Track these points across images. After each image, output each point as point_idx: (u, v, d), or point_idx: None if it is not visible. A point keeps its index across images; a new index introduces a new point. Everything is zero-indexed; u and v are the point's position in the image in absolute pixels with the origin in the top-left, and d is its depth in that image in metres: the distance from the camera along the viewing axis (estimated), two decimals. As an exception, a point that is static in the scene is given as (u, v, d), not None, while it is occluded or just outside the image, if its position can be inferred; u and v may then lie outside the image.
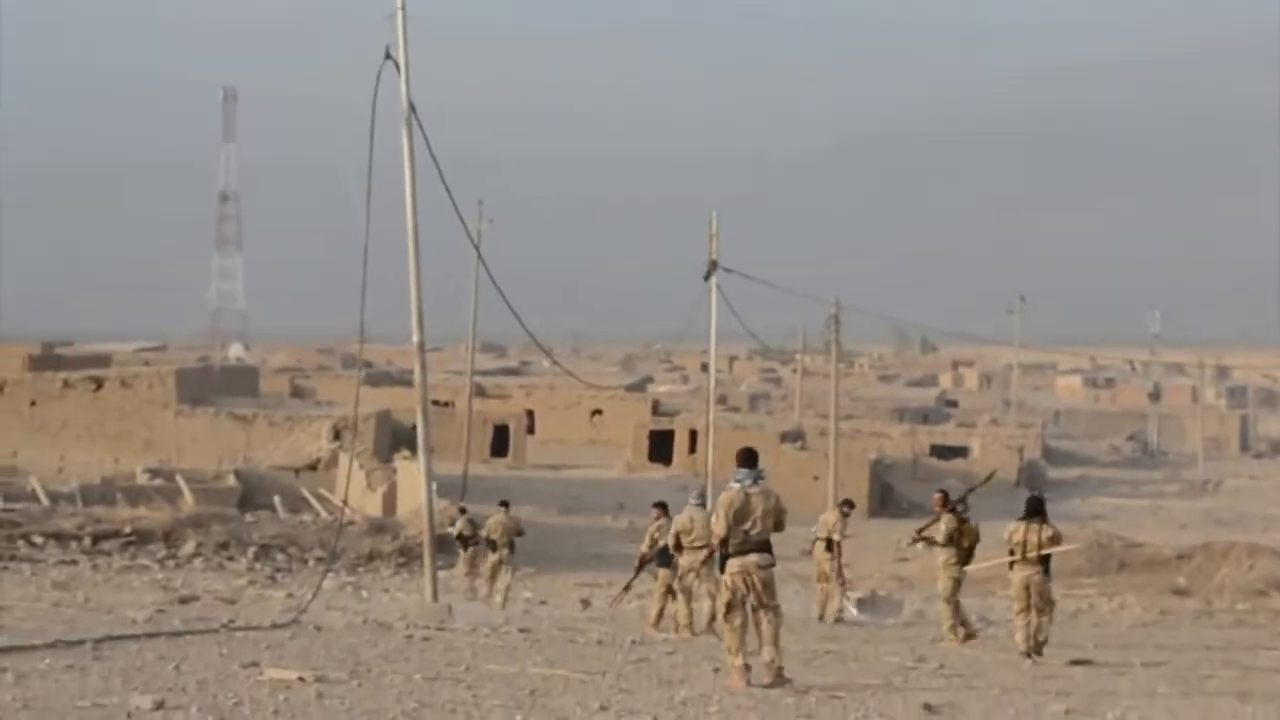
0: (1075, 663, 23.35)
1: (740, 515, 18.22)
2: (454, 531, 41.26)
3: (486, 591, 38.29)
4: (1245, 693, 19.79)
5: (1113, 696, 18.61)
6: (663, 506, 30.71)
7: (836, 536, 33.63)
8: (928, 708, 16.67)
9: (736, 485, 18.39)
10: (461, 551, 41.18)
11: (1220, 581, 46.53)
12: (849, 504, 35.94)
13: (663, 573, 29.35)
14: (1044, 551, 25.26)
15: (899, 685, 19.13)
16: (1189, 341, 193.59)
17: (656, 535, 29.93)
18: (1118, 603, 43.34)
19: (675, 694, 17.24)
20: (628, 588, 33.74)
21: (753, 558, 18.26)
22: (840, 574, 33.83)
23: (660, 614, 29.38)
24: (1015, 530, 25.22)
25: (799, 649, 20.15)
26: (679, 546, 28.35)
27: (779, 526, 18.42)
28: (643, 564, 30.68)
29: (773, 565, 18.42)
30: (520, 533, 39.17)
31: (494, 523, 38.69)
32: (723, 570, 18.54)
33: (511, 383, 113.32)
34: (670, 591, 29.07)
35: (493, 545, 38.40)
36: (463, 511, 42.93)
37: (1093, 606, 42.29)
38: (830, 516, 34.45)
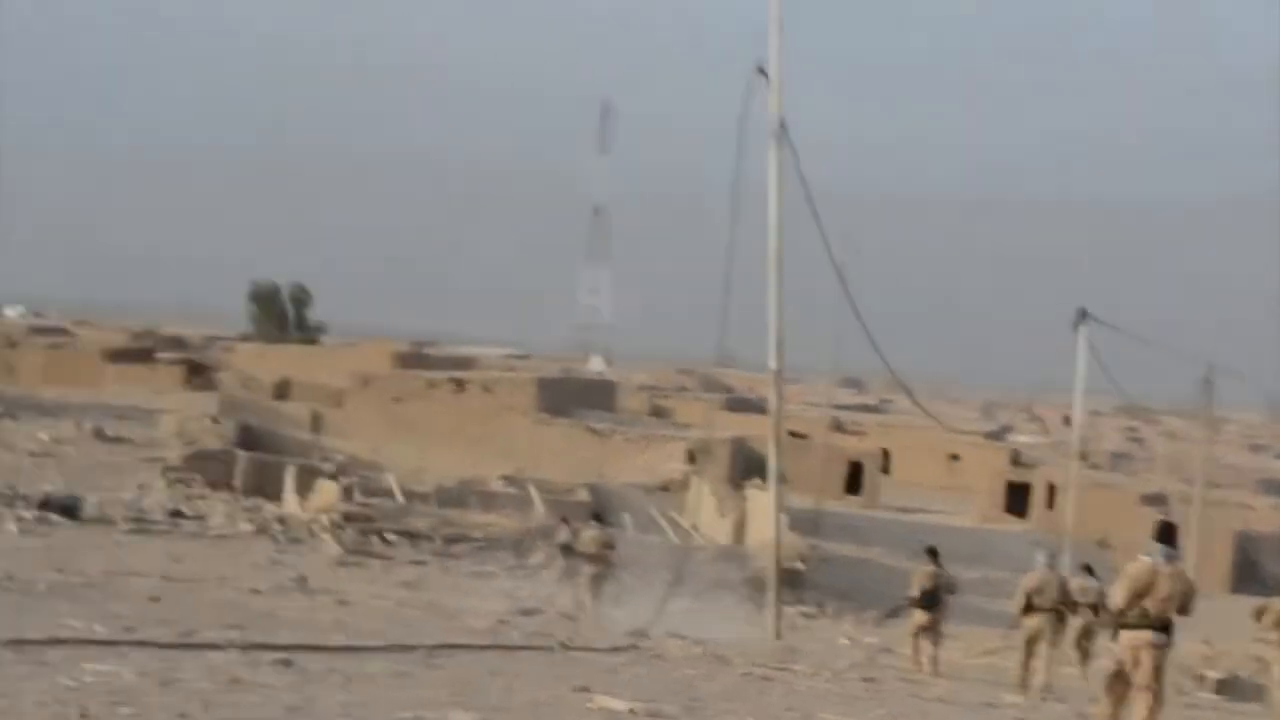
0: None
1: (1143, 591, 17.49)
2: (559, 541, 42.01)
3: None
4: None
5: None
6: (932, 553, 30.95)
7: None
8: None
9: (1147, 559, 17.64)
10: (562, 561, 41.63)
11: None
12: None
13: (919, 615, 30.05)
14: None
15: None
16: None
17: (925, 582, 30.30)
18: None
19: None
20: (889, 615, 34.37)
21: (1148, 634, 17.46)
22: None
23: (915, 652, 30.12)
24: None
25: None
26: (1030, 607, 28.22)
27: (1184, 610, 17.61)
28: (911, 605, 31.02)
29: (1168, 647, 17.57)
30: (611, 546, 39.27)
31: (588, 538, 38.83)
32: (1115, 640, 17.99)
33: (869, 420, 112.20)
34: (919, 634, 30.04)
35: (586, 558, 38.56)
36: (564, 522, 43.80)
37: None
38: None
